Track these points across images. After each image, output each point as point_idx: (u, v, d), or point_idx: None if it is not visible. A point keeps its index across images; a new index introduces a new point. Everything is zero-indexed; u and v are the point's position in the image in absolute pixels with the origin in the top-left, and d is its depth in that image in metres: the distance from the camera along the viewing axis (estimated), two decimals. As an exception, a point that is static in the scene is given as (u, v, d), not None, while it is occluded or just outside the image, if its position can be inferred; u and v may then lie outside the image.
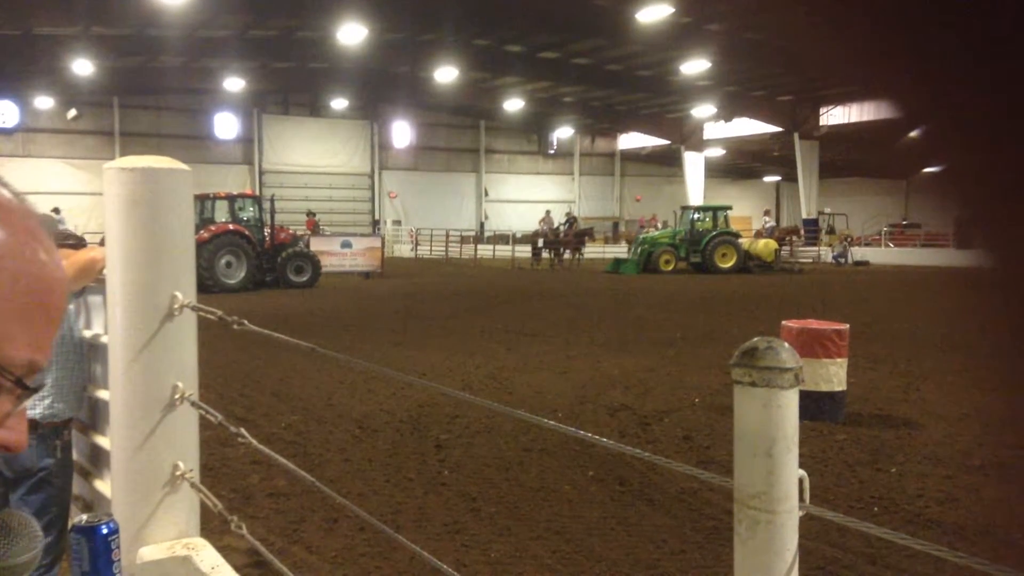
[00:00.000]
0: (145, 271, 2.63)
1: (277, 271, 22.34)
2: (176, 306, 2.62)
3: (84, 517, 1.45)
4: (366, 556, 4.74)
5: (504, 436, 7.19)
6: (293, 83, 39.71)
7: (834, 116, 37.35)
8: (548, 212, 35.08)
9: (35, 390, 0.76)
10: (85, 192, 35.21)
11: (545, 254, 32.90)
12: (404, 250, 41.71)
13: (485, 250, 37.16)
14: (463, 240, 38.20)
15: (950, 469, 6.33)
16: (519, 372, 10.06)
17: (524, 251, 34.14)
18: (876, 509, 5.51)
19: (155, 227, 2.64)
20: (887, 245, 40.53)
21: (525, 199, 48.29)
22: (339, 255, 25.87)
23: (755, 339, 1.15)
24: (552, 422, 1.86)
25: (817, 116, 37.50)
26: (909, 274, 29.39)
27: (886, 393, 8.96)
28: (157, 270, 2.64)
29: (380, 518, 4.95)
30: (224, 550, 3.26)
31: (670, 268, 29.02)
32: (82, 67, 31.09)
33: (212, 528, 3.42)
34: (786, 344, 1.16)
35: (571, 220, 34.27)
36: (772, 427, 1.13)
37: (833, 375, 7.70)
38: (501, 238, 38.60)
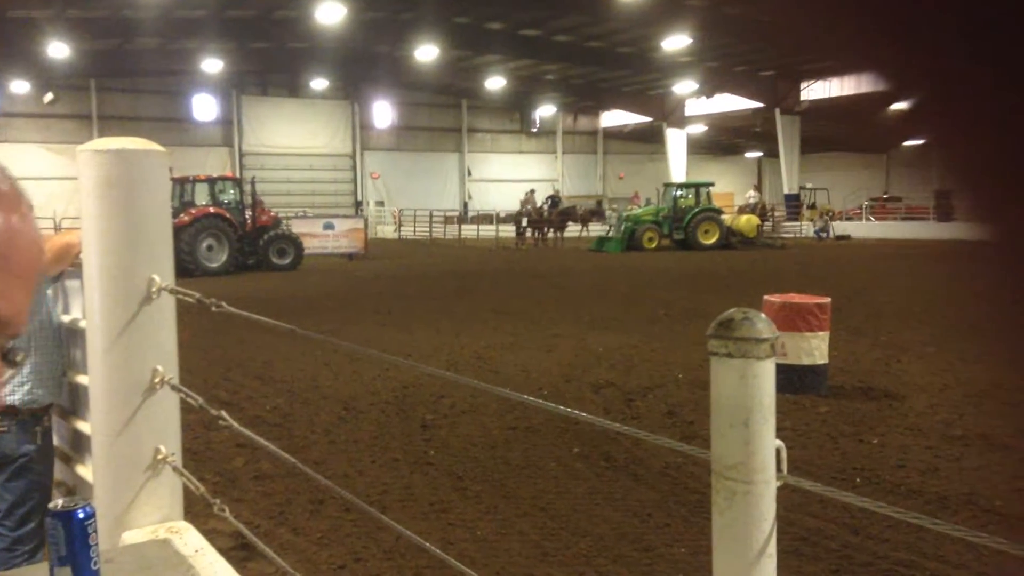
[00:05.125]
0: (122, 254, 2.60)
1: (259, 254, 22.22)
2: (154, 289, 2.59)
3: (60, 502, 1.44)
4: (352, 537, 4.75)
5: (490, 415, 7.21)
6: (272, 64, 39.30)
7: (815, 91, 37.37)
8: (532, 191, 34.97)
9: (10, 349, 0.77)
10: (63, 177, 34.75)
11: (529, 233, 32.88)
12: (387, 231, 41.56)
13: (469, 230, 37.07)
14: (447, 220, 38.09)
15: (931, 439, 6.40)
16: (504, 351, 10.07)
17: (508, 231, 34.08)
18: (858, 480, 5.57)
19: (131, 209, 2.60)
20: (868, 219, 40.69)
21: (508, 178, 48.11)
22: (322, 237, 25.78)
23: (731, 310, 1.15)
24: (537, 400, 1.86)
25: (798, 91, 37.51)
26: (890, 247, 29.57)
27: (868, 365, 9.03)
28: (134, 253, 2.61)
29: (366, 499, 4.96)
30: (209, 533, 3.25)
31: (653, 245, 29.05)
32: (58, 50, 30.65)
33: (197, 512, 3.41)
34: (762, 315, 1.15)
35: (555, 200, 34.24)
36: (748, 398, 1.13)
37: (815, 348, 7.76)
38: (485, 218, 38.51)
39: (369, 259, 25.55)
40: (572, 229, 33.81)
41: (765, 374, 1.13)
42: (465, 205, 46.95)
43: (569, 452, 6.23)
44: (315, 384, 8.44)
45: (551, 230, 32.92)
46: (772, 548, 1.15)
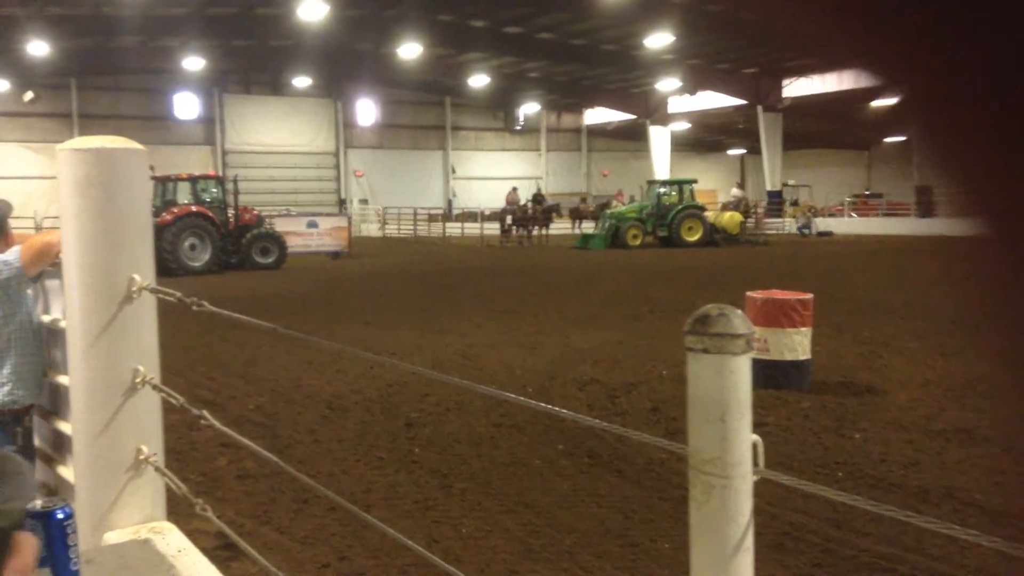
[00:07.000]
0: (101, 253, 2.59)
1: (242, 253, 22.11)
2: (134, 288, 2.58)
3: (39, 503, 1.44)
4: (337, 536, 4.74)
5: (474, 413, 7.21)
6: (254, 61, 39.13)
7: (797, 88, 37.54)
8: (515, 189, 34.96)
9: None
10: (44, 176, 34.48)
11: (514, 231, 32.87)
12: (372, 229, 41.43)
13: (453, 228, 37.01)
14: (431, 218, 38.00)
15: (913, 434, 6.45)
16: (489, 349, 10.07)
17: (492, 228, 34.05)
18: (841, 474, 5.61)
19: (110, 208, 2.59)
20: (850, 215, 40.95)
21: (493, 176, 48.08)
22: (305, 235, 25.65)
23: (707, 306, 1.16)
24: (521, 397, 1.86)
25: (780, 88, 37.66)
26: (871, 243, 29.75)
27: (850, 361, 9.09)
28: (114, 252, 2.59)
29: (351, 498, 4.95)
30: (193, 533, 3.24)
31: (637, 243, 29.10)
32: (38, 48, 30.39)
33: (180, 512, 3.40)
34: (738, 311, 1.16)
35: (539, 198, 34.25)
36: (725, 393, 1.14)
37: (797, 344, 7.80)
38: (469, 216, 38.44)
39: (353, 257, 25.48)
40: (588, 225, 33.69)
41: (741, 369, 1.15)
42: (449, 203, 46.89)
43: (554, 449, 6.25)
44: (299, 383, 8.42)
45: (536, 227, 32.94)
46: (749, 542, 1.16)
